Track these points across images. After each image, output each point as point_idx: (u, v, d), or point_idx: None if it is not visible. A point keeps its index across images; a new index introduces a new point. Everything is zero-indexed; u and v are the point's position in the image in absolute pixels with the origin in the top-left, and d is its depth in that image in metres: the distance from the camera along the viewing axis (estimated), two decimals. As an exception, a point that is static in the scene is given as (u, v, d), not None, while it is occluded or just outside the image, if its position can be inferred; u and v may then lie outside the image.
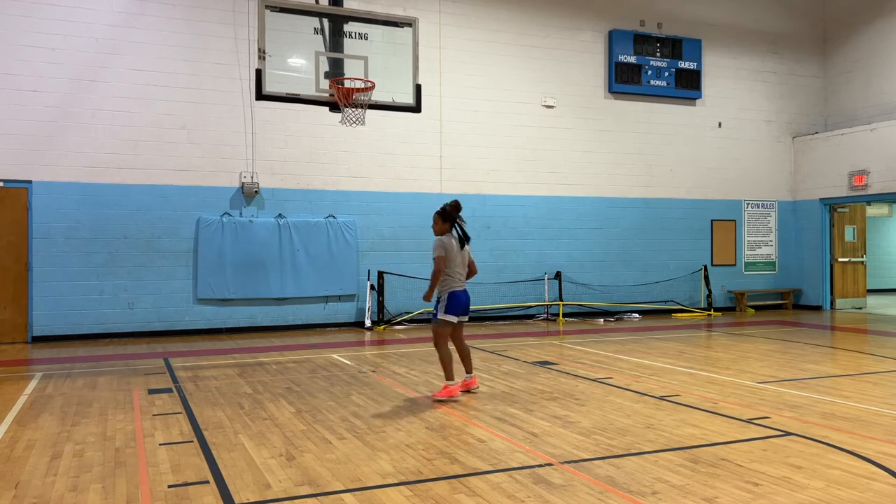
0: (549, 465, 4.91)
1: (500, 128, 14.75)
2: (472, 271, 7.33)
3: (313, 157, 13.36)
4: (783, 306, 17.20)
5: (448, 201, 7.28)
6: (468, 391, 7.32)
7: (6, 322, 11.57)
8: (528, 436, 5.66)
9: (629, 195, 15.86)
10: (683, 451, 5.21)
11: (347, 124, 9.87)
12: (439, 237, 7.06)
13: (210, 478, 4.68)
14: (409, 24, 9.97)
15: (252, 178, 12.89)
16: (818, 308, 16.89)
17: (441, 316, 7.01)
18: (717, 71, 16.70)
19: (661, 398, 7.04)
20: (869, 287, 18.07)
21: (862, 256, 17.36)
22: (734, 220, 16.97)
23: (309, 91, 9.59)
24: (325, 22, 9.85)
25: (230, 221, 12.68)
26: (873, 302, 18.17)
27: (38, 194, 11.69)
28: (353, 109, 9.67)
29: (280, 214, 13.08)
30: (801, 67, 17.65)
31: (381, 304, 13.42)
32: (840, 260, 17.04)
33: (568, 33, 15.38)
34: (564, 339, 11.99)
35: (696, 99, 16.44)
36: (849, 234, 17.19)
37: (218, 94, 12.72)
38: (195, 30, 12.61)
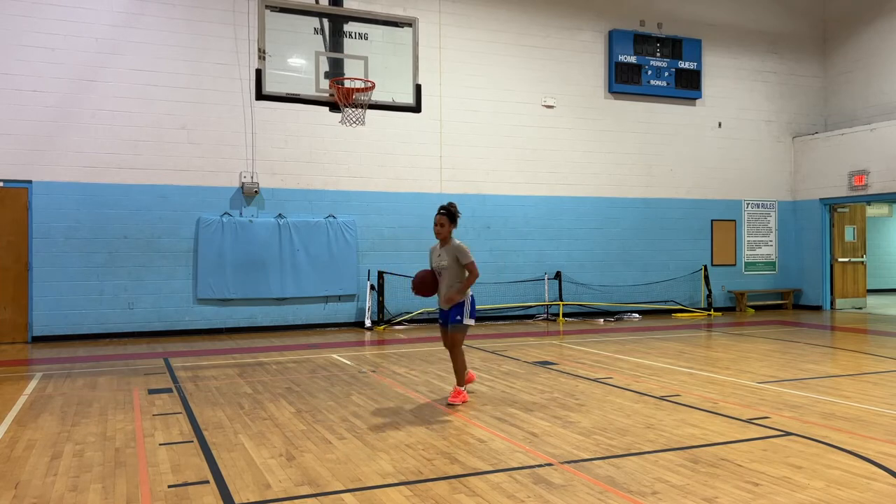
0: (549, 465, 4.91)
1: (500, 128, 14.74)
2: None
3: (313, 157, 13.36)
4: (783, 306, 17.20)
5: (447, 202, 7.26)
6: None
7: (6, 322, 11.58)
8: (528, 436, 5.66)
9: (629, 195, 15.86)
10: (683, 451, 5.21)
11: (347, 124, 9.87)
12: (461, 242, 7.02)
13: (210, 478, 4.69)
14: (409, 24, 9.96)
15: (252, 178, 12.89)
16: (818, 308, 16.89)
17: (466, 321, 6.97)
18: (717, 71, 16.70)
19: (661, 398, 7.04)
20: (869, 287, 18.08)
21: (862, 256, 17.35)
22: (734, 220, 16.97)
23: (309, 91, 9.58)
24: (325, 22, 9.84)
25: (230, 221, 12.68)
26: (873, 302, 18.18)
27: (38, 194, 11.69)
28: (353, 109, 9.67)
29: (280, 214, 13.08)
30: (801, 67, 17.65)
31: (381, 304, 13.43)
32: (840, 260, 17.04)
33: (568, 33, 15.37)
34: (564, 339, 11.99)
35: (696, 99, 16.43)
36: (849, 234, 17.19)
37: (218, 94, 12.72)
38: (195, 30, 12.61)
